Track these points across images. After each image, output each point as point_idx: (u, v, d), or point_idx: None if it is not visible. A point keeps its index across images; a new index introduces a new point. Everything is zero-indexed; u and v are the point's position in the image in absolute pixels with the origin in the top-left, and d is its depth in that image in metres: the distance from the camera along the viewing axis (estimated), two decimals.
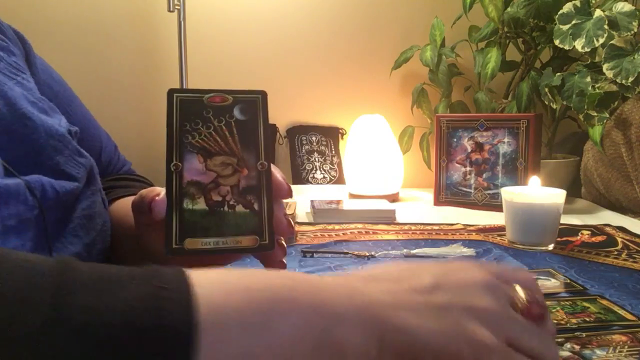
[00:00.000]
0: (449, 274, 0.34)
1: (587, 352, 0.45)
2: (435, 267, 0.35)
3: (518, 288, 0.35)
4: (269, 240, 0.41)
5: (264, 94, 0.42)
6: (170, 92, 0.41)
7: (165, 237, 0.40)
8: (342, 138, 1.63)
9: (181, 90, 0.41)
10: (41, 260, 0.26)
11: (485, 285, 0.34)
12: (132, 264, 0.56)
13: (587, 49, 1.08)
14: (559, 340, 0.48)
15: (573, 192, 1.27)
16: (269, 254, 0.46)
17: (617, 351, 0.45)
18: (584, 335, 0.49)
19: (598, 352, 0.45)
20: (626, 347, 0.46)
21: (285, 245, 0.46)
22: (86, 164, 0.52)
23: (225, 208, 0.41)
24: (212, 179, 0.41)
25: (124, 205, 0.60)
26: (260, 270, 0.33)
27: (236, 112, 0.42)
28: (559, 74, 1.15)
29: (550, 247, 0.81)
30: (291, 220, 0.45)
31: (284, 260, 0.48)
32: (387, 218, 1.03)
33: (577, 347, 0.46)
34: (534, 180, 0.85)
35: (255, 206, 0.41)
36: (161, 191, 0.43)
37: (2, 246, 0.39)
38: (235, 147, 0.42)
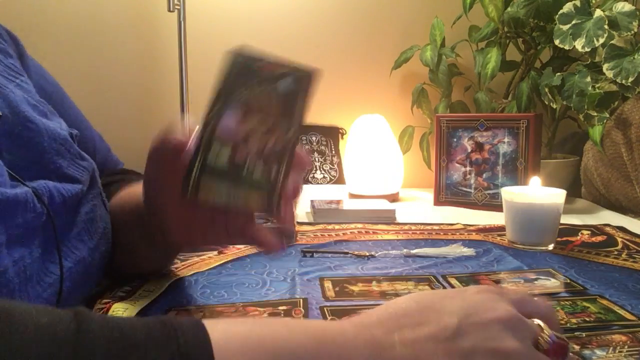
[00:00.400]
0: (471, 314, 0.33)
1: (587, 352, 0.45)
2: (456, 305, 0.34)
3: (542, 324, 0.35)
4: (276, 208, 0.43)
5: (314, 73, 0.43)
6: (229, 53, 0.43)
7: (182, 183, 0.41)
8: (342, 138, 1.63)
9: (239, 53, 0.43)
10: (54, 318, 0.25)
11: (509, 323, 0.33)
12: (137, 252, 0.57)
13: (587, 49, 1.08)
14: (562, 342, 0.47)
15: (573, 192, 1.27)
16: (268, 238, 0.47)
17: (617, 351, 0.45)
18: (584, 335, 0.49)
19: (598, 352, 0.45)
20: (626, 347, 0.46)
21: (294, 213, 0.47)
22: (88, 167, 0.52)
23: (245, 169, 0.42)
24: (241, 136, 0.42)
25: (133, 190, 0.60)
26: (282, 324, 0.32)
27: (283, 84, 0.43)
28: (559, 74, 1.15)
29: (550, 247, 0.81)
30: (299, 189, 0.46)
31: (284, 243, 0.49)
32: (387, 218, 1.03)
33: (577, 347, 0.46)
34: (534, 180, 0.85)
35: (273, 173, 0.43)
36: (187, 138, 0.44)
37: (7, 255, 0.39)
38: (274, 110, 0.43)
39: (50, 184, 0.45)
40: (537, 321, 0.35)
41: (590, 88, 1.07)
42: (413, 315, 0.33)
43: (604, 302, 0.58)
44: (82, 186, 0.50)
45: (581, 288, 0.63)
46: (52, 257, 0.44)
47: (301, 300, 0.57)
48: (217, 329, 0.28)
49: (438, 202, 1.22)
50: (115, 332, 0.25)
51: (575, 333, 0.49)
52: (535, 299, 0.38)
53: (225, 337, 0.28)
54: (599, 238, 0.87)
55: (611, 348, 0.46)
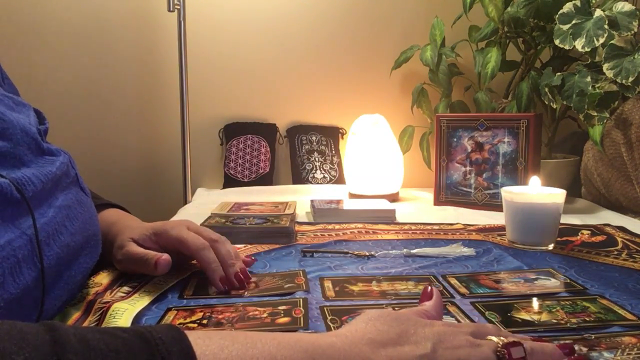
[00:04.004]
0: (442, 340, 0.37)
1: (594, 354, 0.45)
2: (428, 332, 0.38)
3: (494, 338, 0.39)
4: None
5: None
6: None
7: None
8: (342, 138, 1.63)
9: None
10: (31, 355, 0.24)
11: (472, 345, 0.37)
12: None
13: (587, 49, 1.08)
14: (566, 342, 0.47)
15: (573, 192, 1.27)
16: None
17: (625, 353, 0.44)
18: (593, 337, 0.48)
19: (606, 354, 0.45)
20: (635, 349, 0.45)
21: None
22: (63, 160, 0.53)
23: None
24: None
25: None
26: (270, 338, 0.33)
27: None
28: (559, 73, 1.15)
29: (550, 247, 0.81)
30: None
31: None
32: (387, 218, 1.03)
33: (585, 350, 0.45)
34: (534, 180, 0.85)
35: None
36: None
37: None
38: None
39: (28, 172, 0.46)
40: (489, 337, 0.39)
41: (590, 88, 1.07)
42: (392, 337, 0.36)
43: (604, 302, 0.58)
44: (56, 171, 0.51)
45: (581, 288, 0.63)
46: (32, 244, 0.44)
47: (301, 300, 0.57)
48: (199, 346, 0.28)
49: (438, 202, 1.22)
50: (89, 343, 0.26)
51: (584, 335, 0.49)
52: (485, 324, 0.46)
53: (208, 349, 0.29)
54: (599, 238, 0.87)
55: (619, 350, 0.45)
